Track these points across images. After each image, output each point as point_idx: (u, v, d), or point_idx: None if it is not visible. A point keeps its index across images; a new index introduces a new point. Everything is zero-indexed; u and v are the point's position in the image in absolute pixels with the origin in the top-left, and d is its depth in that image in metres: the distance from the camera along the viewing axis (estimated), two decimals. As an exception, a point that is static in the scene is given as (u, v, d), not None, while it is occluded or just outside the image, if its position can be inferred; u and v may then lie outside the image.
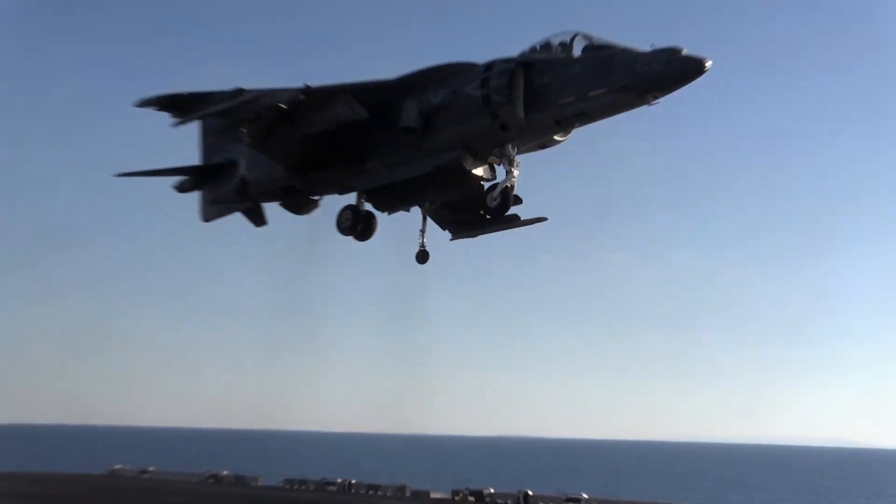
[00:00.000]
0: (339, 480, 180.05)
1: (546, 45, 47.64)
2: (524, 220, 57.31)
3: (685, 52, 43.07)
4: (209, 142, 63.36)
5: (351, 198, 58.08)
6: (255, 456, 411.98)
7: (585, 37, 46.54)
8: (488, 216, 57.11)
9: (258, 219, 63.64)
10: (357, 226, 55.59)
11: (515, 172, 49.39)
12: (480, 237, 59.35)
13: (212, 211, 62.80)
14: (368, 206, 57.69)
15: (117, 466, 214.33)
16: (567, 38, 46.91)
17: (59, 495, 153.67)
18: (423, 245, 58.12)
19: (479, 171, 51.17)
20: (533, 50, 47.91)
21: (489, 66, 48.37)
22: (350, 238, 56.40)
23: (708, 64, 42.96)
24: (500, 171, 52.41)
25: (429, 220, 58.78)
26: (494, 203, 49.85)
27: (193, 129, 64.10)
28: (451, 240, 60.43)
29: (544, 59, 47.12)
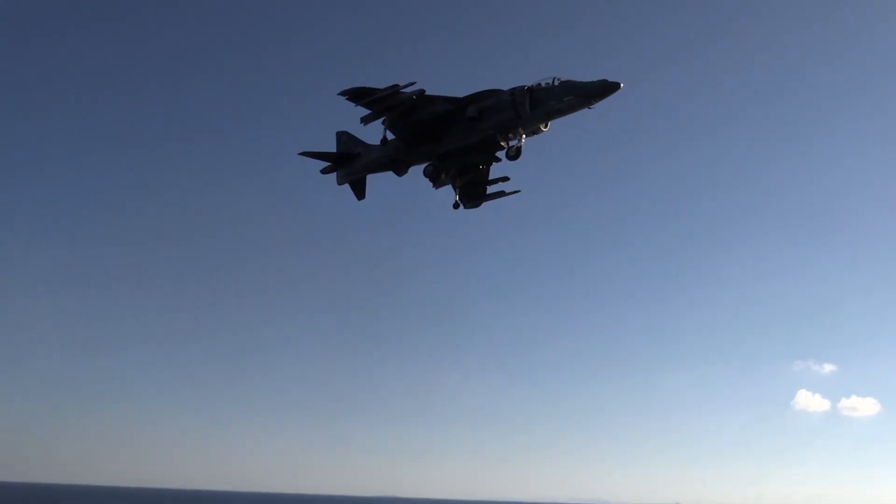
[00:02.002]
0: None
1: (540, 82, 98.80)
2: (507, 193, 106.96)
3: (610, 79, 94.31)
4: (342, 143, 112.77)
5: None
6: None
7: (559, 78, 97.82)
8: (487, 194, 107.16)
9: (361, 192, 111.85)
10: (437, 176, 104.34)
11: (523, 141, 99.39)
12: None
13: (344, 179, 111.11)
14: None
15: None
16: (551, 79, 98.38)
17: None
18: (456, 200, 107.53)
19: (504, 143, 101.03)
20: (534, 85, 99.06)
21: (513, 90, 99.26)
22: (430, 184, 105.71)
23: (622, 85, 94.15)
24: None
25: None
26: (513, 153, 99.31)
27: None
28: (465, 207, 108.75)
29: (539, 87, 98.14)
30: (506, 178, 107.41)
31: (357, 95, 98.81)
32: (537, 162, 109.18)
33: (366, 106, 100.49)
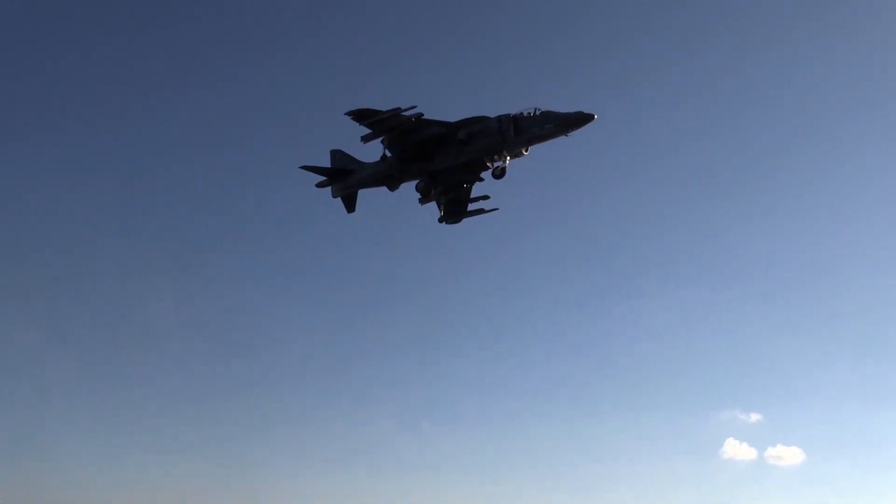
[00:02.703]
0: None
1: (522, 112, 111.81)
2: (486, 210, 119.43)
3: (585, 111, 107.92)
4: (337, 158, 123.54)
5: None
6: None
7: (540, 108, 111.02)
8: (468, 210, 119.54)
9: (352, 206, 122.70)
10: (428, 191, 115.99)
11: (507, 162, 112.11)
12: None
13: (338, 192, 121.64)
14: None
15: None
16: (533, 109, 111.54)
17: None
18: (442, 216, 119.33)
19: (489, 164, 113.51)
20: (518, 113, 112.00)
21: (499, 118, 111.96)
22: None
23: (595, 117, 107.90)
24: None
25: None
26: (497, 172, 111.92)
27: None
28: (446, 223, 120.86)
29: (522, 115, 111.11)
30: (486, 197, 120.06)
31: (361, 116, 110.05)
32: (519, 182, 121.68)
33: (368, 126, 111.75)
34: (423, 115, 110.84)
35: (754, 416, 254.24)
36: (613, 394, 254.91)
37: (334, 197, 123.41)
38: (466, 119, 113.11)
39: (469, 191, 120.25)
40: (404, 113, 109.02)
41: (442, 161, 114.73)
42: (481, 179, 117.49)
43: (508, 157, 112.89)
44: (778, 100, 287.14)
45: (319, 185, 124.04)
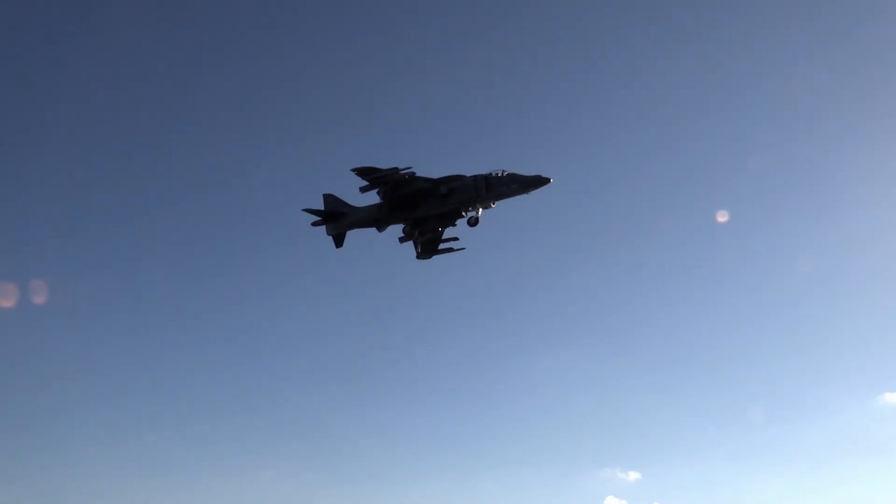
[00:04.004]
0: None
1: (492, 172, 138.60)
2: (455, 249, 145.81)
3: (543, 175, 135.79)
4: (329, 201, 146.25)
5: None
6: None
7: (506, 170, 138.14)
8: (439, 249, 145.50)
9: (340, 242, 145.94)
10: (412, 233, 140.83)
11: (479, 213, 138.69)
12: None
13: (333, 231, 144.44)
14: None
15: None
16: (501, 171, 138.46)
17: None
18: (418, 252, 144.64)
19: (464, 213, 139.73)
20: (489, 173, 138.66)
21: (474, 177, 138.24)
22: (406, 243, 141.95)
23: (551, 180, 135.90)
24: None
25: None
26: (472, 221, 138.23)
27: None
28: (419, 258, 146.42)
29: (492, 175, 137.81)
30: (456, 238, 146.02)
31: (365, 172, 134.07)
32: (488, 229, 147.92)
33: (368, 180, 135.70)
34: (415, 173, 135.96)
35: (633, 475, 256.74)
36: (496, 451, 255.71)
37: (328, 234, 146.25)
38: (447, 176, 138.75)
39: (441, 233, 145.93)
40: (401, 171, 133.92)
41: (425, 210, 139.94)
42: (455, 225, 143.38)
43: (480, 209, 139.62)
44: (661, 168, 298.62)
45: (315, 224, 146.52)
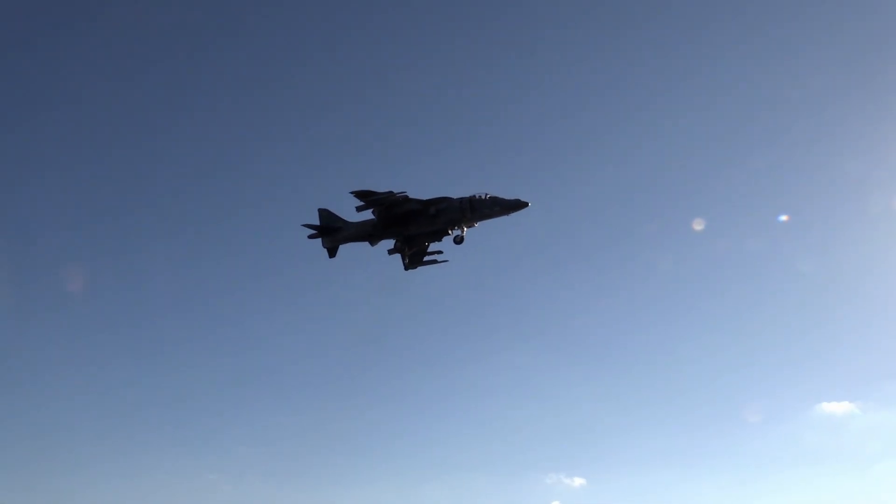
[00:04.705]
0: None
1: (475, 195, 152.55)
2: (438, 261, 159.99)
3: (522, 198, 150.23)
4: (323, 216, 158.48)
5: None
6: None
7: (489, 193, 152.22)
8: (423, 261, 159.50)
9: (334, 253, 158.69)
10: (406, 251, 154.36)
11: (464, 231, 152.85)
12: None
13: (328, 244, 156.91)
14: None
15: None
16: (484, 193, 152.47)
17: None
18: (405, 265, 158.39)
19: (450, 231, 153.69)
20: (473, 196, 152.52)
21: (460, 199, 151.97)
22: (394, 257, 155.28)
23: (529, 204, 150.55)
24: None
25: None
26: (458, 240, 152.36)
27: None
28: (406, 270, 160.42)
29: (476, 198, 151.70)
30: (440, 252, 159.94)
31: (362, 195, 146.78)
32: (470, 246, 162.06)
33: (364, 201, 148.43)
34: (407, 195, 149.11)
35: (578, 481, 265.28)
36: (443, 455, 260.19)
37: (324, 247, 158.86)
38: (436, 198, 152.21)
39: (427, 247, 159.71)
40: (396, 194, 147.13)
41: (416, 229, 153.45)
42: (441, 241, 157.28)
43: (465, 228, 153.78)
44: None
45: (311, 237, 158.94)
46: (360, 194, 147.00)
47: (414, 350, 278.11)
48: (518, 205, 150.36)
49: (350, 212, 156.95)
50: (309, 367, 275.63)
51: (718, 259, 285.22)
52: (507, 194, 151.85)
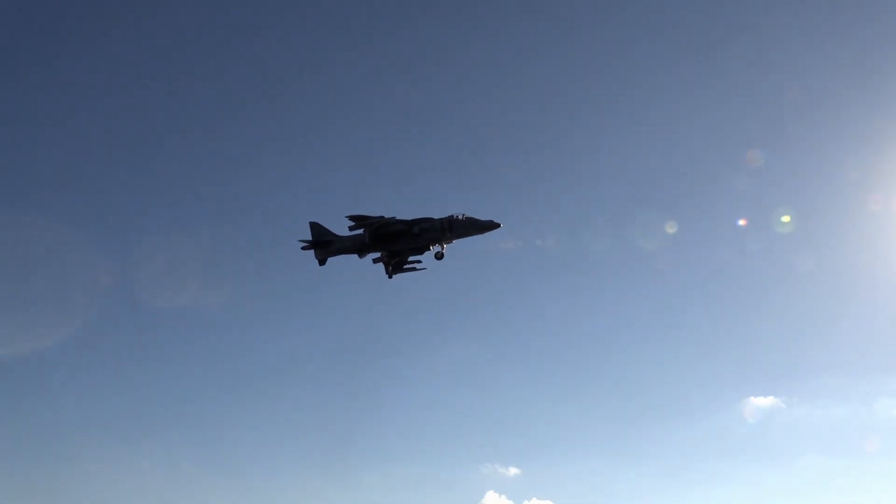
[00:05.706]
0: None
1: (454, 215, 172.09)
2: (417, 269, 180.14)
3: (496, 220, 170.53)
4: (315, 229, 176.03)
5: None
6: None
7: (466, 214, 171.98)
8: (403, 268, 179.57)
9: (323, 262, 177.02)
10: (390, 262, 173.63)
11: (444, 248, 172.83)
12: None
13: (319, 255, 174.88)
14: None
15: None
16: (461, 214, 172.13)
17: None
18: (389, 273, 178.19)
19: (431, 248, 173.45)
20: (452, 216, 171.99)
21: (441, 219, 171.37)
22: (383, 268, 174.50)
23: (502, 224, 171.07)
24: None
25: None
26: (438, 256, 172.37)
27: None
28: (389, 277, 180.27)
29: (454, 218, 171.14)
30: (419, 261, 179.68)
31: (357, 218, 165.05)
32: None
33: (357, 223, 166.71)
34: (396, 218, 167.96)
35: (513, 470, 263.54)
36: (377, 446, 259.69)
37: (316, 257, 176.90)
38: (419, 219, 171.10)
39: (407, 257, 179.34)
40: (386, 219, 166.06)
41: (401, 245, 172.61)
42: (422, 255, 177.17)
43: (444, 244, 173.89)
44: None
45: (304, 248, 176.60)
46: (354, 218, 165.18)
47: (344, 343, 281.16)
48: (491, 225, 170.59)
49: (338, 222, 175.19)
50: (246, 357, 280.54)
51: (651, 253, 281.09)
52: (481, 214, 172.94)
